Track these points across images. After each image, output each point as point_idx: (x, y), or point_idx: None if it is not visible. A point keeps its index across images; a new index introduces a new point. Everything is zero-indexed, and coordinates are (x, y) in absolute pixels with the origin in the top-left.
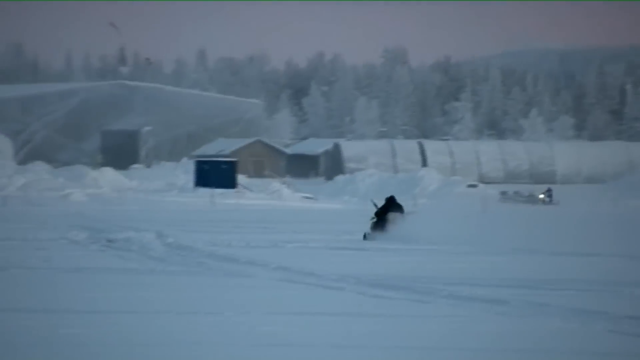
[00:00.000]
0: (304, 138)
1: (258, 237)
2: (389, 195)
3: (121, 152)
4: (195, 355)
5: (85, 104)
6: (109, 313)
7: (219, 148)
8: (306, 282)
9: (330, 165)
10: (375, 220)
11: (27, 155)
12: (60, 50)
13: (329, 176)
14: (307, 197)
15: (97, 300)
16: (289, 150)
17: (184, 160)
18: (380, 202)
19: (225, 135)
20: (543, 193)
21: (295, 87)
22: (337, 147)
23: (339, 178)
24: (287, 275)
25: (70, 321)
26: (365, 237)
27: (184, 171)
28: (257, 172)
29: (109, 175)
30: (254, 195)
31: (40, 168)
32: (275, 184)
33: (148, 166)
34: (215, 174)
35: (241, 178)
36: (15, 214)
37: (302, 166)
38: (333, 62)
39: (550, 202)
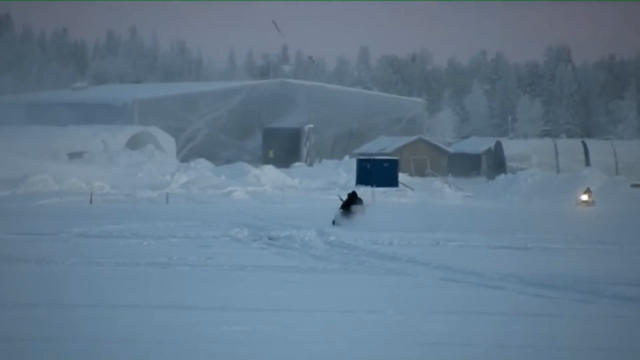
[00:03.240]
0: (466, 137)
1: (419, 236)
2: (352, 191)
3: (283, 150)
4: (356, 354)
5: (247, 102)
6: (270, 311)
7: (381, 146)
8: (467, 281)
9: (492, 164)
10: (341, 211)
11: (190, 153)
12: (223, 49)
13: (491, 175)
14: (469, 196)
15: (258, 298)
16: (450, 149)
17: (346, 158)
18: (345, 197)
19: (387, 134)
20: (585, 192)
21: (457, 86)
22: (499, 146)
23: (501, 177)
24: (448, 274)
25: (232, 318)
26: (333, 223)
27: (346, 169)
28: (419, 171)
29: (270, 173)
30: (416, 193)
31: (202, 166)
32: (437, 182)
33: (310, 164)
34: (377, 173)
35: (403, 176)
36: (178, 212)
37: (463, 165)
38: (496, 60)
39: (593, 202)
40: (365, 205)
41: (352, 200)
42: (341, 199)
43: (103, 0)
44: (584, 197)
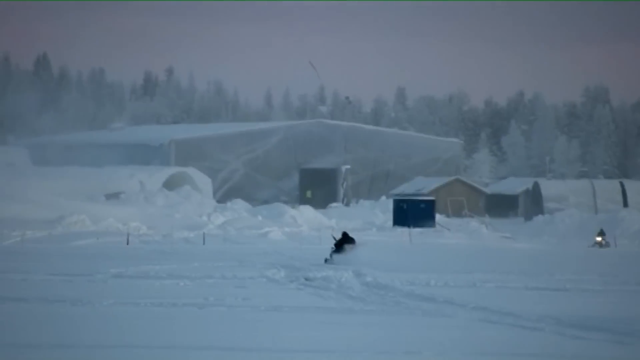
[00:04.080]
0: (503, 177)
1: (456, 277)
2: (344, 231)
3: (320, 191)
4: None
5: (284, 143)
6: (307, 352)
7: (418, 187)
8: (505, 322)
9: (529, 205)
10: (334, 249)
11: (226, 193)
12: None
13: (528, 216)
14: (506, 237)
15: (295, 339)
16: (487, 190)
17: (383, 198)
18: (338, 236)
19: (424, 174)
20: (599, 235)
21: (494, 126)
22: (536, 187)
23: (538, 218)
24: (485, 315)
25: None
26: (326, 261)
27: (383, 210)
28: (456, 212)
29: (307, 213)
30: (453, 234)
31: (239, 206)
32: (474, 223)
33: (347, 204)
34: (413, 213)
35: (440, 217)
36: (215, 252)
37: (500, 205)
38: (533, 101)
39: (607, 244)
40: (357, 245)
41: (344, 240)
42: (334, 238)
43: (140, 41)
44: (598, 239)
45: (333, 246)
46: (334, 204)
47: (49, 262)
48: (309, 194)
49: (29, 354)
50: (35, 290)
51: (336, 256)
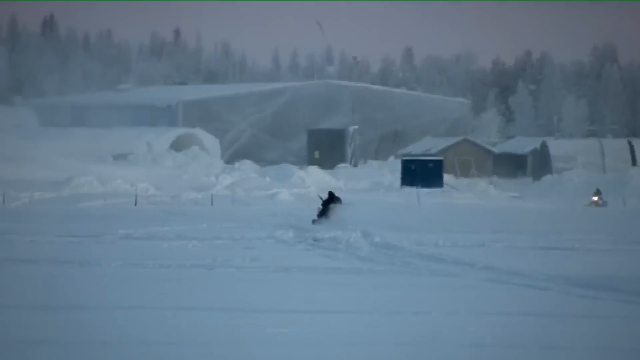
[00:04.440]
0: (511, 137)
1: (465, 237)
2: (333, 190)
3: (328, 151)
4: (402, 356)
5: (292, 103)
6: (315, 313)
7: (426, 147)
8: (513, 282)
9: (537, 165)
10: (321, 209)
11: (234, 154)
12: (267, 50)
13: (536, 176)
14: (514, 197)
15: (303, 300)
16: (495, 150)
17: (391, 159)
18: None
19: (432, 135)
20: (595, 194)
21: (502, 86)
22: (544, 146)
23: (547, 177)
24: (494, 275)
25: (277, 320)
26: (313, 222)
27: (391, 170)
28: (464, 172)
29: (315, 174)
30: (461, 194)
31: (247, 167)
32: (482, 183)
33: (354, 165)
34: (421, 173)
35: (448, 177)
36: (223, 213)
37: (509, 165)
38: (541, 60)
39: (604, 203)
40: (343, 204)
41: (330, 200)
42: (321, 198)
43: (147, 1)
44: (594, 198)
45: (320, 206)
46: (342, 165)
47: (57, 224)
48: (317, 154)
49: (37, 315)
50: (43, 251)
51: (323, 217)
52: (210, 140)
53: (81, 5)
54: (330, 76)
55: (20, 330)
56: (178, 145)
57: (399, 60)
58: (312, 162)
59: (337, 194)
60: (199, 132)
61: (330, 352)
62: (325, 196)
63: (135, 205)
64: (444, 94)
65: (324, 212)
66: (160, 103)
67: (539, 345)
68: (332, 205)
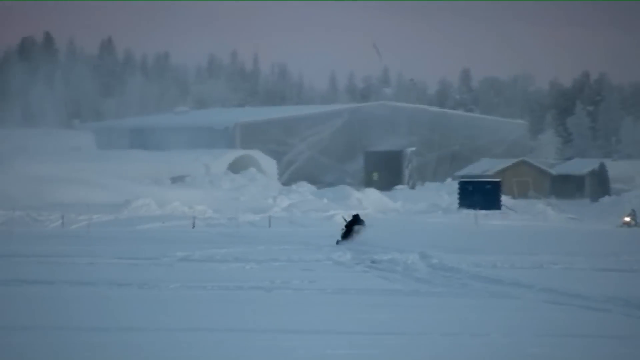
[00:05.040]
0: (569, 158)
1: (523, 258)
2: (355, 213)
3: (385, 173)
4: None
5: (349, 125)
6: (373, 334)
7: (483, 168)
8: (572, 303)
9: (595, 186)
10: (344, 230)
11: (291, 176)
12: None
13: (594, 197)
14: (572, 218)
15: (361, 322)
16: (553, 171)
17: (448, 181)
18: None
19: (490, 156)
20: (628, 215)
21: (560, 108)
22: (602, 168)
23: (605, 199)
24: (552, 296)
25: (335, 342)
26: (337, 242)
27: (448, 192)
28: (521, 193)
29: (373, 196)
30: (519, 216)
31: (304, 189)
32: (540, 205)
33: (412, 187)
34: (479, 195)
35: (505, 199)
36: (281, 235)
37: (566, 187)
38: (599, 81)
39: (636, 224)
40: (367, 226)
41: (355, 222)
42: (345, 220)
43: (204, 24)
44: (626, 219)
45: (344, 227)
46: (400, 186)
47: (115, 246)
48: (375, 176)
49: (96, 337)
50: (102, 274)
51: (347, 238)
52: (267, 162)
53: (139, 28)
54: (387, 98)
55: (79, 353)
56: (235, 167)
57: (457, 82)
58: (369, 183)
59: (361, 217)
60: (257, 154)
61: None
62: (349, 218)
63: (193, 227)
64: (502, 116)
65: (347, 233)
66: (217, 125)
67: None
68: (355, 227)
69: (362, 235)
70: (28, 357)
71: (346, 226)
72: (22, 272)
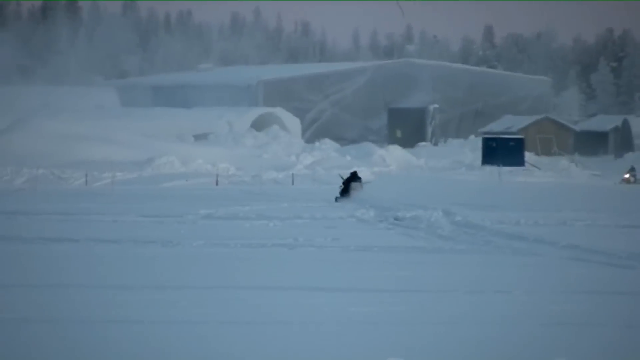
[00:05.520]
0: (592, 115)
1: (546, 215)
2: (353, 170)
3: (408, 130)
4: (483, 334)
5: (372, 82)
6: (397, 292)
7: (507, 125)
8: (595, 260)
9: (619, 143)
10: (342, 187)
11: (314, 133)
12: (347, 29)
13: (618, 153)
14: (596, 175)
15: (385, 279)
16: (577, 128)
17: (471, 137)
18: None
19: (513, 113)
20: (628, 172)
21: (583, 64)
22: (626, 124)
23: (628, 155)
24: (576, 253)
25: (359, 299)
26: (336, 200)
27: (471, 149)
28: (545, 150)
29: (396, 153)
30: (542, 173)
31: (327, 146)
32: (564, 161)
33: (435, 144)
34: (502, 152)
35: (529, 155)
36: (304, 192)
37: (590, 143)
38: (622, 37)
39: (635, 181)
40: (364, 183)
41: (352, 179)
42: (342, 178)
43: None
44: (626, 176)
45: (341, 185)
46: (423, 143)
47: (139, 204)
48: (398, 133)
49: (120, 295)
50: (125, 231)
51: (344, 195)
52: (290, 120)
53: None
54: (410, 55)
55: (103, 310)
56: (259, 125)
57: (480, 39)
58: (392, 140)
59: (358, 174)
60: (280, 112)
61: (413, 331)
62: (346, 175)
63: (217, 185)
64: (525, 72)
65: (345, 190)
66: (240, 83)
67: (622, 324)
68: (352, 184)
69: (358, 192)
70: (54, 316)
71: (344, 183)
72: (47, 230)
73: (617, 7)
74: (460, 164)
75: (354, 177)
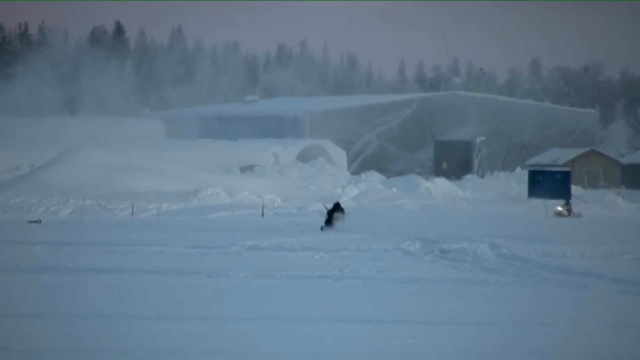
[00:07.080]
0: (639, 148)
1: (593, 248)
2: (336, 201)
3: (454, 162)
4: None
5: (418, 114)
6: (443, 324)
7: (553, 158)
8: None
9: None
10: (327, 218)
11: (360, 165)
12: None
13: None
14: None
15: (430, 311)
16: (623, 161)
17: (518, 170)
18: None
19: (559, 146)
20: (561, 205)
21: (630, 97)
22: None
23: None
24: (622, 286)
25: (404, 331)
26: (321, 229)
27: (518, 181)
28: (592, 183)
29: (442, 185)
30: (589, 206)
31: (373, 178)
32: (610, 194)
33: (481, 176)
34: (549, 184)
35: (575, 188)
36: (350, 225)
37: (637, 177)
38: None
39: (569, 214)
40: (346, 214)
41: (335, 209)
42: (326, 208)
43: (274, 13)
44: (559, 209)
45: (326, 215)
46: (469, 176)
47: (184, 235)
48: (444, 165)
49: (165, 326)
50: (171, 262)
51: (328, 225)
52: (336, 152)
53: (209, 17)
54: (456, 87)
55: (149, 341)
56: (305, 157)
57: (526, 71)
58: (438, 173)
59: (341, 205)
60: (326, 144)
61: None
62: (330, 206)
63: (262, 216)
64: (572, 105)
65: (329, 220)
66: (286, 114)
67: None
68: (335, 215)
69: (341, 222)
70: (100, 346)
71: (328, 214)
72: (93, 261)
73: None
74: (506, 197)
75: (337, 207)
